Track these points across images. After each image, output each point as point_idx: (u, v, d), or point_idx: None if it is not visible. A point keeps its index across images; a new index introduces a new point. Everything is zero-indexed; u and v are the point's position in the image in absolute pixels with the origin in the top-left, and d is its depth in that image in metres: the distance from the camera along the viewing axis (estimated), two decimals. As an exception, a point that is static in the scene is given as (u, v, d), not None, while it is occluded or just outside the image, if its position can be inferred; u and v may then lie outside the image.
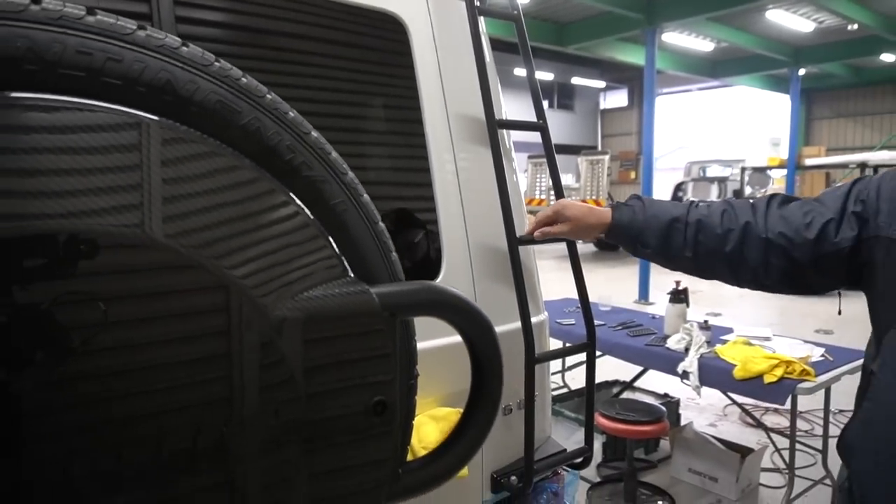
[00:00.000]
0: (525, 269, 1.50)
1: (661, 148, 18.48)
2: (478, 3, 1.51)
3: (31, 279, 0.55)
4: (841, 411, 4.38)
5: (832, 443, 1.34)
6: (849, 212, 1.22)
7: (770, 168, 14.93)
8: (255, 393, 0.66)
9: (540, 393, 1.55)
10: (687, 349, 3.54)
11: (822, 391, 3.49)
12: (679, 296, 3.93)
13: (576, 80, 24.65)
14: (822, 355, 3.46)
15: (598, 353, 3.86)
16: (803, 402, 3.30)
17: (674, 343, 3.64)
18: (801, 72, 15.50)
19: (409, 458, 0.87)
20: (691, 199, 16.99)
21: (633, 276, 10.87)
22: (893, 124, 19.80)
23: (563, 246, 1.65)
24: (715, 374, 3.33)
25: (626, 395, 4.70)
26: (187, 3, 1.30)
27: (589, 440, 1.66)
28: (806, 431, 4.64)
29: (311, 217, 0.72)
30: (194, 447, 0.64)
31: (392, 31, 1.47)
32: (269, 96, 0.73)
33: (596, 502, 3.63)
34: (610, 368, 4.65)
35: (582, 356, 1.68)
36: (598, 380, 4.78)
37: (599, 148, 25.91)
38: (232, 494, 0.67)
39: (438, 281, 1.41)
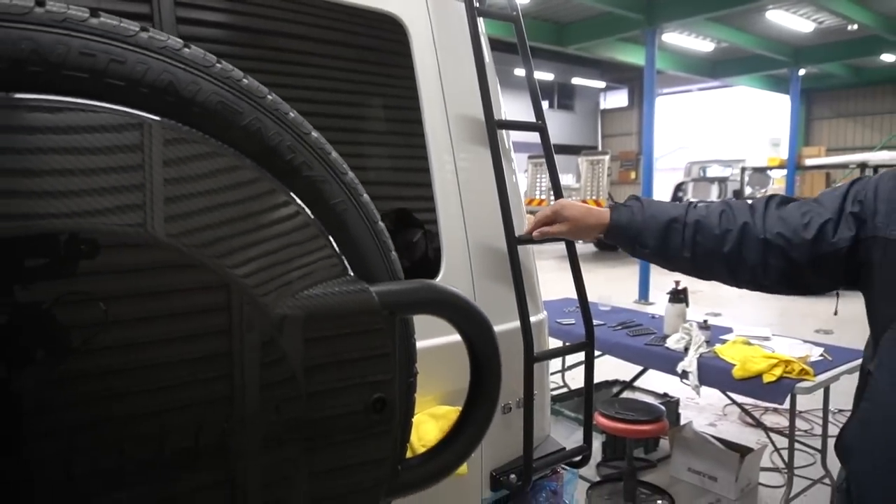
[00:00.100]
0: (524, 269, 1.50)
1: (662, 148, 18.48)
2: (477, 5, 1.52)
3: (35, 278, 0.56)
4: (840, 411, 4.38)
5: (831, 442, 1.34)
6: (846, 212, 1.22)
7: (770, 168, 14.94)
8: (257, 391, 0.67)
9: (539, 392, 1.56)
10: (686, 349, 3.55)
11: (822, 391, 3.50)
12: (679, 296, 3.94)
13: (576, 81, 24.66)
14: (821, 355, 3.47)
15: (597, 352, 3.89)
16: (803, 402, 3.31)
17: (673, 343, 3.65)
18: (801, 72, 15.51)
19: (409, 455, 0.88)
20: (691, 199, 17.02)
21: (633, 276, 10.88)
22: (893, 124, 19.80)
23: (563, 246, 1.66)
24: (714, 373, 3.33)
25: (626, 394, 4.71)
26: (188, 4, 1.31)
27: (588, 439, 1.67)
28: (805, 431, 4.65)
29: (312, 216, 0.73)
30: (196, 445, 0.65)
31: (392, 32, 1.48)
32: (269, 97, 0.73)
33: (595, 501, 3.63)
34: (610, 368, 4.66)
35: (582, 356, 1.69)
36: (597, 379, 4.83)
37: (600, 148, 25.91)
38: (233, 492, 0.68)
39: (438, 280, 1.42)
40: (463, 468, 1.31)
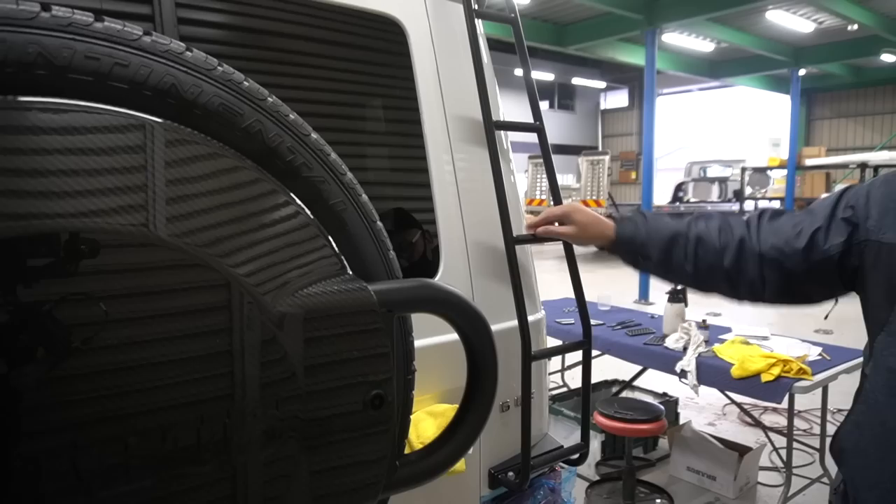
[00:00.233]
0: (522, 269, 1.52)
1: (662, 148, 18.47)
2: (475, 6, 1.54)
3: (41, 278, 0.57)
4: (839, 410, 4.39)
5: (829, 442, 1.35)
6: (838, 218, 1.24)
7: (770, 168, 14.95)
8: (259, 387, 0.68)
9: (537, 390, 1.57)
10: (685, 348, 3.56)
11: (820, 390, 3.51)
12: (678, 295, 3.95)
13: (576, 81, 24.66)
14: (820, 354, 3.48)
15: (597, 352, 3.90)
16: (802, 402, 3.32)
17: (672, 342, 3.66)
18: (802, 72, 15.51)
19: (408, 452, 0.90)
20: (691, 199, 17.01)
21: (633, 276, 10.88)
22: (894, 124, 19.81)
23: (562, 246, 1.67)
24: (713, 372, 3.35)
25: (625, 394, 4.72)
26: (189, 6, 1.32)
27: (585, 436, 1.68)
28: (804, 430, 4.66)
29: (311, 216, 0.74)
30: (199, 440, 0.66)
31: (391, 33, 1.49)
32: (270, 99, 0.75)
33: (595, 500, 3.65)
34: (609, 368, 4.67)
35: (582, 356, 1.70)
36: (597, 379, 4.84)
37: (600, 148, 25.92)
38: (234, 487, 0.69)
39: (436, 279, 1.43)
40: (461, 465, 1.33)
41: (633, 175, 24.51)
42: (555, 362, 5.25)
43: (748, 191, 15.13)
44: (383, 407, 0.77)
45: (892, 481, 1.16)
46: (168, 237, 0.62)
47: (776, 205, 14.36)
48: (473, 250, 1.53)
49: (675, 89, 23.38)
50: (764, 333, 3.84)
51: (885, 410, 1.17)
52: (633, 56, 13.84)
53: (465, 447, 0.90)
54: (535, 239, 1.55)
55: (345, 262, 0.76)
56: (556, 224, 1.52)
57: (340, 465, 0.76)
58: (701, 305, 3.95)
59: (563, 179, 19.49)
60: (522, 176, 15.56)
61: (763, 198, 14.92)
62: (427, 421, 1.32)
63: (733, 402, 4.48)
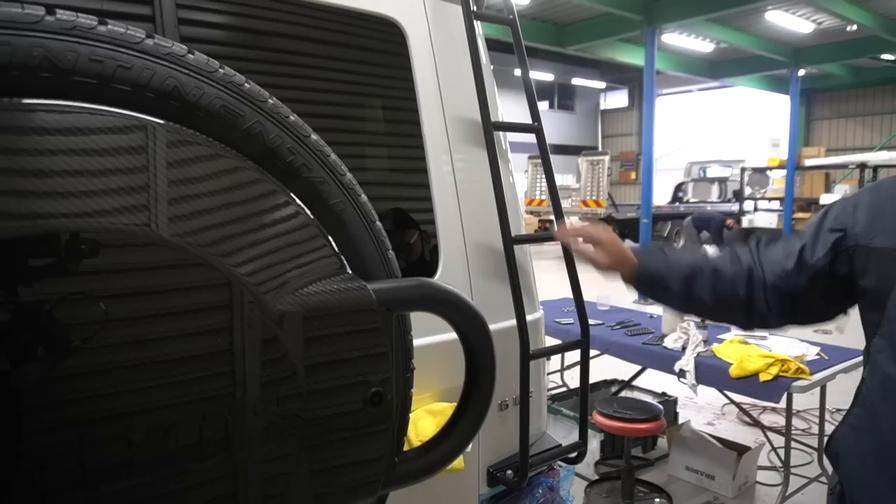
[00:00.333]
0: (520, 268, 1.53)
1: (662, 148, 18.47)
2: (474, 8, 1.55)
3: (45, 277, 0.58)
4: (838, 410, 4.41)
5: (825, 443, 1.37)
6: (824, 230, 1.27)
7: (770, 168, 14.95)
8: (259, 385, 0.69)
9: (535, 389, 1.58)
10: (684, 348, 3.58)
11: (819, 390, 3.52)
12: (676, 295, 3.95)
13: (576, 81, 24.68)
14: (818, 354, 3.49)
15: (596, 352, 3.90)
16: (801, 402, 3.33)
17: (671, 342, 3.67)
18: (801, 72, 15.52)
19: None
20: (691, 199, 17.01)
21: (632, 276, 10.88)
22: (893, 125, 19.82)
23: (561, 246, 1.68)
24: (711, 372, 3.36)
25: (625, 393, 4.73)
26: (189, 6, 1.33)
27: (583, 435, 1.69)
28: (803, 430, 4.67)
29: (311, 216, 0.75)
30: (201, 437, 0.67)
31: (390, 35, 1.50)
32: (270, 101, 0.76)
33: (594, 499, 3.65)
34: (608, 367, 4.68)
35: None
36: (596, 379, 4.85)
37: (600, 148, 25.93)
38: (236, 484, 0.70)
39: (436, 279, 1.44)
40: (459, 463, 1.34)
41: (633, 175, 24.52)
42: (554, 362, 5.26)
43: (748, 191, 15.14)
44: (382, 404, 0.78)
45: (888, 485, 1.16)
46: (170, 237, 0.63)
47: (776, 205, 14.37)
48: (472, 250, 1.54)
49: (674, 89, 23.40)
50: (762, 333, 3.85)
51: (880, 414, 1.18)
52: (632, 56, 13.85)
53: (464, 445, 0.91)
54: (533, 239, 1.56)
55: (344, 262, 0.77)
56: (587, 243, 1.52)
57: (340, 464, 0.77)
58: (700, 305, 3.97)
59: (563, 179, 19.50)
60: (522, 176, 15.57)
61: (763, 198, 14.92)
62: (426, 419, 1.33)
63: (732, 401, 4.50)
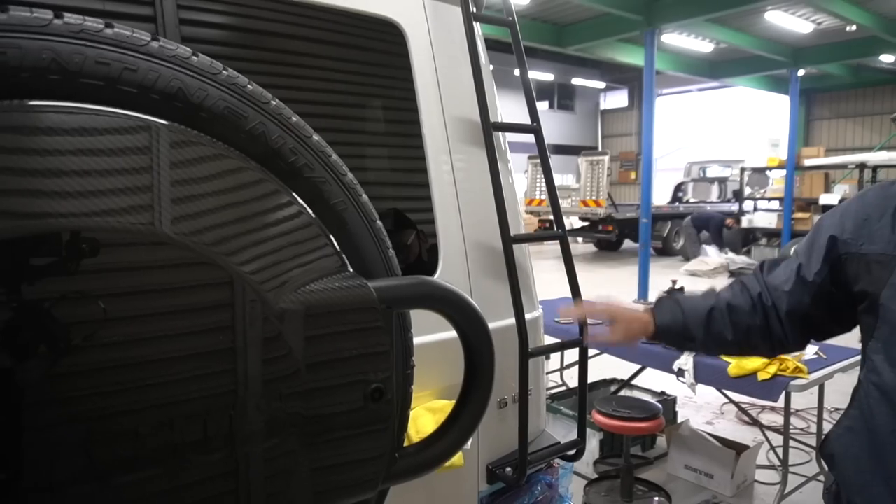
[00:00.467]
0: (519, 267, 1.54)
1: (661, 148, 18.49)
2: (473, 10, 1.56)
3: (56, 275, 0.60)
4: (836, 409, 4.42)
5: (820, 444, 1.38)
6: (816, 246, 1.30)
7: (769, 168, 14.94)
8: (264, 382, 0.71)
9: (534, 387, 1.59)
10: (683, 347, 3.59)
11: (817, 389, 3.53)
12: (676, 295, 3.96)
13: (576, 81, 24.68)
14: (816, 353, 3.50)
15: (595, 351, 3.91)
16: (800, 401, 3.34)
17: (670, 341, 3.68)
18: (801, 73, 15.51)
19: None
20: (691, 199, 17.01)
21: (632, 276, 10.90)
22: (893, 125, 19.81)
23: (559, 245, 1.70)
24: (710, 371, 3.36)
25: (624, 392, 4.74)
26: (190, 7, 1.34)
27: (581, 433, 1.71)
28: (802, 429, 4.68)
29: (313, 216, 0.77)
30: (206, 432, 0.68)
31: (391, 36, 1.52)
32: (273, 102, 0.77)
33: (593, 498, 3.67)
34: (608, 367, 4.69)
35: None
36: (595, 378, 4.85)
37: (600, 148, 25.93)
38: (238, 478, 0.72)
39: (435, 278, 1.45)
40: (459, 460, 1.36)
41: (633, 175, 24.53)
42: (554, 362, 5.27)
43: (747, 191, 15.13)
44: (383, 400, 0.80)
45: (883, 486, 1.18)
46: (176, 235, 0.65)
47: (775, 205, 14.37)
48: (472, 249, 1.55)
49: (674, 90, 23.39)
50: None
51: (875, 415, 1.19)
52: (632, 56, 13.85)
53: (463, 441, 0.92)
54: (532, 238, 1.58)
55: (345, 260, 0.79)
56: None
57: (342, 462, 0.78)
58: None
59: (563, 179, 19.50)
60: (522, 176, 15.58)
61: (762, 198, 14.92)
62: (426, 416, 1.34)
63: (731, 401, 4.50)
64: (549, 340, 1.90)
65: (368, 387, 0.78)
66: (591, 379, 4.46)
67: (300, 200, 0.76)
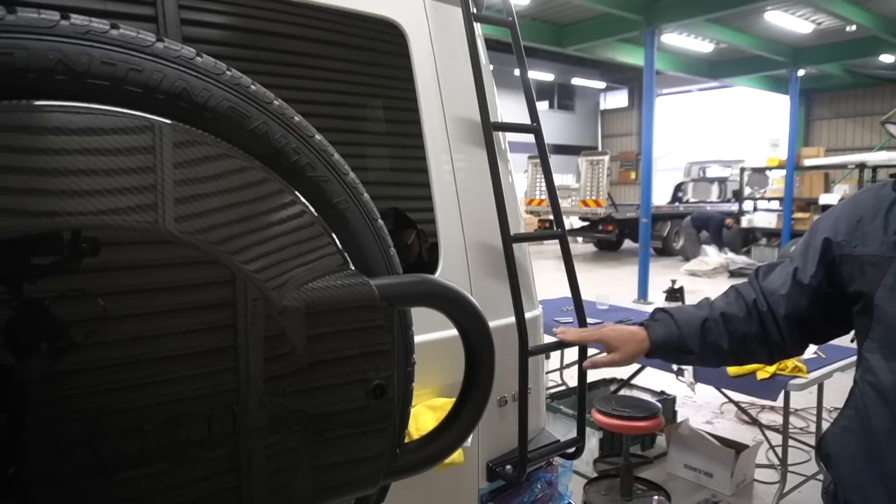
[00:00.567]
0: (519, 266, 1.55)
1: (661, 148, 18.51)
2: (474, 10, 1.57)
3: (65, 273, 0.60)
4: (835, 409, 4.42)
5: (816, 444, 1.39)
6: (811, 248, 1.31)
7: (769, 168, 14.96)
8: (268, 380, 0.72)
9: (534, 386, 1.60)
10: (682, 347, 3.59)
11: (816, 388, 3.54)
12: (675, 294, 3.98)
13: (576, 81, 24.69)
14: (815, 353, 3.51)
15: (594, 350, 3.92)
16: (799, 401, 3.35)
17: (669, 341, 3.69)
18: (800, 73, 15.52)
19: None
20: (691, 199, 17.02)
21: (632, 275, 10.92)
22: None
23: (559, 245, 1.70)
24: (709, 370, 3.36)
25: (624, 392, 4.76)
26: (192, 7, 1.35)
27: (581, 431, 1.71)
28: (801, 429, 4.70)
29: (315, 214, 0.78)
30: (210, 429, 0.69)
31: (391, 36, 1.53)
32: (276, 102, 0.78)
33: (592, 497, 3.68)
34: (607, 366, 4.70)
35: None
36: (595, 377, 4.85)
37: (600, 148, 25.96)
38: (240, 473, 0.73)
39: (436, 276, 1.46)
40: (459, 457, 1.37)
41: (633, 175, 24.55)
42: (554, 361, 5.28)
43: (747, 191, 15.15)
44: (384, 398, 0.81)
45: (879, 485, 1.19)
46: (181, 234, 0.66)
47: (775, 205, 14.39)
48: (472, 249, 1.56)
49: (674, 90, 23.41)
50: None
51: (871, 415, 1.20)
52: (632, 56, 13.86)
53: (463, 437, 0.93)
54: (532, 238, 1.59)
55: (347, 258, 0.79)
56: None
57: (343, 459, 0.79)
58: (698, 304, 3.99)
59: (563, 179, 19.52)
60: (522, 176, 15.59)
61: (762, 198, 14.94)
62: (427, 414, 1.35)
63: (731, 400, 4.52)
64: (548, 339, 1.91)
65: (370, 384, 0.79)
66: (590, 378, 4.48)
67: (303, 199, 0.77)
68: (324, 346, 0.75)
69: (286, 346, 0.72)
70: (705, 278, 12.14)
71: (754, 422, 4.45)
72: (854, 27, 12.44)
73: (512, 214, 1.56)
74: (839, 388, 2.75)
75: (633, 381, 4.74)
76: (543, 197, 14.76)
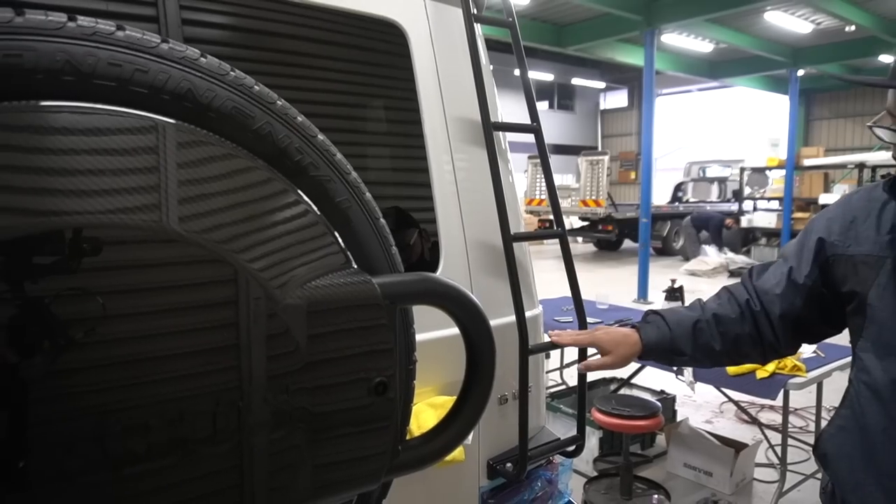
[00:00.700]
0: (519, 265, 1.56)
1: (661, 148, 18.51)
2: (474, 11, 1.58)
3: (73, 272, 0.61)
4: (834, 408, 4.43)
5: (813, 444, 1.40)
6: (806, 248, 1.32)
7: (769, 168, 14.98)
8: (271, 377, 0.72)
9: (534, 384, 1.61)
10: (682, 346, 3.60)
11: (815, 388, 3.55)
12: (674, 294, 3.99)
13: (576, 81, 24.70)
14: (814, 352, 3.52)
15: (593, 349, 3.93)
16: (798, 400, 3.36)
17: (669, 340, 3.69)
18: (800, 73, 15.53)
19: (408, 440, 0.93)
20: (691, 199, 17.02)
21: (632, 275, 10.92)
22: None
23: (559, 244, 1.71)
24: (708, 370, 3.38)
25: (623, 391, 4.76)
26: (193, 8, 1.35)
27: (581, 429, 1.72)
28: (800, 428, 4.70)
29: (318, 213, 0.78)
30: (214, 424, 0.70)
31: (392, 37, 1.53)
32: (279, 102, 0.79)
33: (592, 496, 3.69)
34: (607, 366, 4.70)
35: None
36: (595, 376, 4.86)
37: (599, 148, 25.96)
38: (243, 469, 0.73)
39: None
40: (460, 454, 1.38)
41: (633, 175, 24.56)
42: (554, 361, 5.29)
43: (747, 191, 15.17)
44: (386, 396, 0.81)
45: (875, 484, 1.20)
46: (186, 233, 0.66)
47: (775, 205, 14.40)
48: (472, 248, 1.57)
49: (674, 89, 23.41)
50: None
51: (866, 414, 1.21)
52: (632, 56, 13.87)
53: (464, 434, 0.93)
54: (532, 237, 1.59)
55: (350, 257, 0.80)
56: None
57: (346, 456, 0.80)
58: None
59: (563, 179, 19.52)
60: (522, 176, 15.60)
61: (762, 197, 14.95)
62: (428, 412, 1.36)
63: (730, 399, 4.52)
64: (548, 338, 1.92)
65: (372, 382, 0.80)
66: (590, 378, 4.49)
67: (306, 198, 0.77)
68: (327, 344, 0.76)
69: (290, 343, 0.73)
70: (705, 278, 12.15)
71: (754, 421, 4.45)
72: (853, 27, 12.45)
73: (512, 214, 1.57)
74: (838, 387, 2.75)
75: (633, 381, 4.75)
76: (543, 197, 14.77)
